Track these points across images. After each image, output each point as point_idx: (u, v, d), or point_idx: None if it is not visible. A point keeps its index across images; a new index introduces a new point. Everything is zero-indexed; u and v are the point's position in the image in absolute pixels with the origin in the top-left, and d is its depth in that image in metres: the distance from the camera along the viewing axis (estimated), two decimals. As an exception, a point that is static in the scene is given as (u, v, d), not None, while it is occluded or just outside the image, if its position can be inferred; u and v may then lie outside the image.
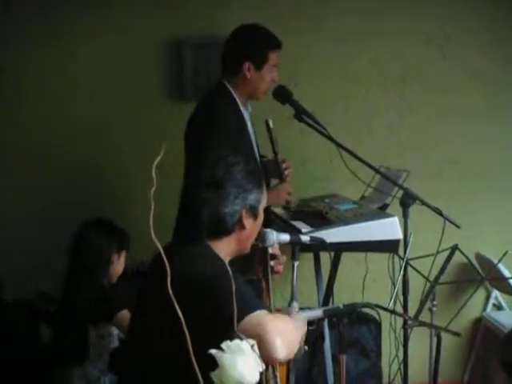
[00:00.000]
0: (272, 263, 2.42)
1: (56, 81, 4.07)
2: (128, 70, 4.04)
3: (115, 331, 3.03)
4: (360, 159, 3.05)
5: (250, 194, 2.12)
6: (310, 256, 3.46)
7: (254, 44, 3.12)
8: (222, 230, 2.09)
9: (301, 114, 3.13)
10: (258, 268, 2.42)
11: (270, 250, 2.45)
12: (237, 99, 3.17)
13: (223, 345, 1.28)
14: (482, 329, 4.51)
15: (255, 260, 2.41)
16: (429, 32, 4.30)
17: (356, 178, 3.18)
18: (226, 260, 2.11)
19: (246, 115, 3.23)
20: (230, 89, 3.17)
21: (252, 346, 1.23)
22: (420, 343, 3.80)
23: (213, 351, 1.29)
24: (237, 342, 1.26)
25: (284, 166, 3.22)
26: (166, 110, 4.13)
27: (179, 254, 2.01)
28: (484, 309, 4.55)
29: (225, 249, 2.11)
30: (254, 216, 2.13)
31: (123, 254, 3.17)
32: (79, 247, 3.10)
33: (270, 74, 3.14)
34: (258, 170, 2.20)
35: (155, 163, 1.20)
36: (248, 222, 2.11)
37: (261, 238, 2.33)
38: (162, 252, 1.19)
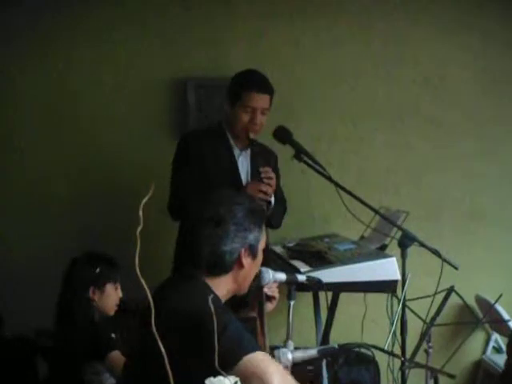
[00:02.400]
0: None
1: (58, 123, 4.09)
2: (133, 108, 4.10)
3: (111, 368, 2.92)
4: (359, 200, 3.02)
5: (250, 233, 2.10)
6: (309, 295, 3.42)
7: (232, 83, 3.25)
8: (220, 267, 2.06)
9: (300, 153, 3.13)
10: (254, 306, 2.40)
11: (266, 289, 2.42)
12: (229, 137, 3.27)
13: (206, 381, 1.26)
14: (482, 371, 4.45)
15: (251, 298, 2.40)
16: (425, 72, 4.31)
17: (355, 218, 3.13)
18: (224, 299, 2.10)
19: (238, 153, 3.30)
20: (225, 127, 3.29)
21: (235, 383, 1.22)
22: (418, 384, 3.75)
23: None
24: (220, 378, 1.25)
25: (263, 175, 3.17)
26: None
27: (176, 290, 2.00)
28: (484, 351, 4.49)
29: (222, 287, 2.08)
30: (253, 255, 2.11)
31: (110, 286, 3.08)
32: (63, 283, 3.06)
33: (244, 113, 3.19)
34: (259, 210, 2.18)
35: (143, 202, 1.19)
36: (247, 261, 2.09)
37: (257, 276, 2.30)
38: (148, 291, 1.17)
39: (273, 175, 3.16)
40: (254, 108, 3.19)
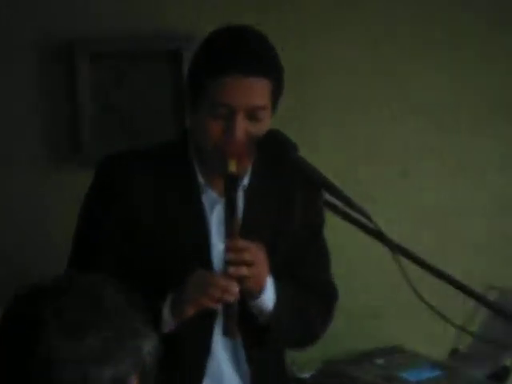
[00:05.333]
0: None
1: None
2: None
3: None
4: (444, 276, 1.95)
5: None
6: None
7: (192, 62, 2.09)
8: None
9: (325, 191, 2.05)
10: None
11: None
12: (196, 169, 2.10)
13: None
14: None
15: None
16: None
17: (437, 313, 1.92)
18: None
19: (211, 201, 2.10)
20: (190, 147, 2.15)
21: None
22: None
23: None
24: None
25: (227, 256, 1.98)
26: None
27: None
28: None
29: None
30: None
31: None
32: None
33: (212, 120, 1.98)
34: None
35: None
36: None
37: None
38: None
39: (252, 249, 1.93)
40: (232, 107, 1.95)
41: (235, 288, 1.82)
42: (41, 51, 2.76)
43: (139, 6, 2.75)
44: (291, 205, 2.08)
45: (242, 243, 1.83)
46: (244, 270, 1.82)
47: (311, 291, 2.13)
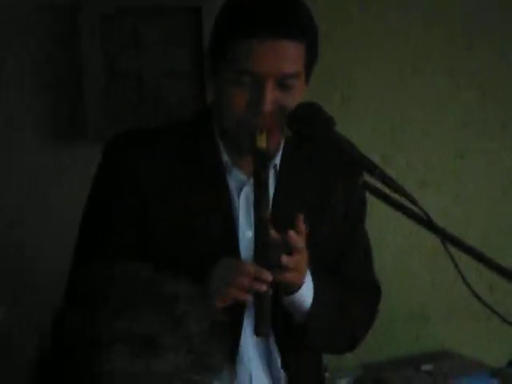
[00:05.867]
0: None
1: None
2: None
3: None
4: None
5: None
6: None
7: (216, 22, 1.89)
8: None
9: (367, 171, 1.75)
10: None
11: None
12: (220, 147, 1.89)
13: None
14: None
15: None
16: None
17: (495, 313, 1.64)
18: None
19: (239, 183, 1.90)
20: (214, 122, 1.91)
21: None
22: None
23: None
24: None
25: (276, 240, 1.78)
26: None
27: None
28: None
29: None
30: None
31: None
32: None
33: (237, 88, 1.78)
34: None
35: None
36: None
37: None
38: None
39: (300, 243, 1.71)
40: (259, 75, 1.76)
41: (268, 276, 1.64)
42: (41, 12, 2.50)
43: None
44: (330, 191, 1.90)
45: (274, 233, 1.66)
46: (284, 258, 1.64)
47: (353, 290, 1.95)
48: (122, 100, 2.34)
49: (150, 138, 1.86)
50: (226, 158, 1.80)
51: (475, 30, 2.89)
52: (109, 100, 2.31)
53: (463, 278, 1.56)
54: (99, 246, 1.85)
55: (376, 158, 1.75)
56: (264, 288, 1.65)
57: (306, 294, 1.73)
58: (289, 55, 1.72)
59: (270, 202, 1.77)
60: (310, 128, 1.69)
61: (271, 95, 1.70)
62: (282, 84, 1.71)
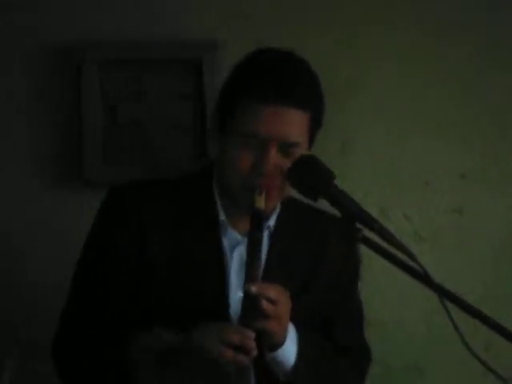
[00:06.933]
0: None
1: None
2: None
3: None
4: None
5: None
6: None
7: (225, 83, 1.91)
8: None
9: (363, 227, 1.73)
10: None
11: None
12: (218, 204, 1.92)
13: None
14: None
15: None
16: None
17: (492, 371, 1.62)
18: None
19: (232, 242, 1.90)
20: (215, 180, 1.96)
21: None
22: None
23: None
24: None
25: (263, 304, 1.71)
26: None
27: None
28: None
29: None
30: None
31: None
32: None
33: (240, 149, 1.81)
34: None
35: None
36: None
37: None
38: None
39: (282, 299, 1.70)
40: (265, 138, 1.79)
41: (251, 343, 1.59)
42: (43, 58, 2.55)
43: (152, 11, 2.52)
44: (324, 253, 1.91)
45: (261, 286, 1.61)
46: (265, 305, 1.60)
47: (342, 353, 1.94)
48: (121, 147, 2.33)
49: (152, 191, 1.87)
50: (222, 216, 1.80)
51: (474, 92, 2.81)
52: (107, 147, 2.31)
53: (461, 337, 1.54)
54: (98, 291, 1.83)
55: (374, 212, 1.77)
56: (246, 362, 1.62)
57: (290, 350, 1.70)
58: (295, 123, 1.75)
59: (263, 263, 1.76)
60: (308, 182, 1.68)
61: (273, 158, 1.72)
62: (285, 151, 1.73)
